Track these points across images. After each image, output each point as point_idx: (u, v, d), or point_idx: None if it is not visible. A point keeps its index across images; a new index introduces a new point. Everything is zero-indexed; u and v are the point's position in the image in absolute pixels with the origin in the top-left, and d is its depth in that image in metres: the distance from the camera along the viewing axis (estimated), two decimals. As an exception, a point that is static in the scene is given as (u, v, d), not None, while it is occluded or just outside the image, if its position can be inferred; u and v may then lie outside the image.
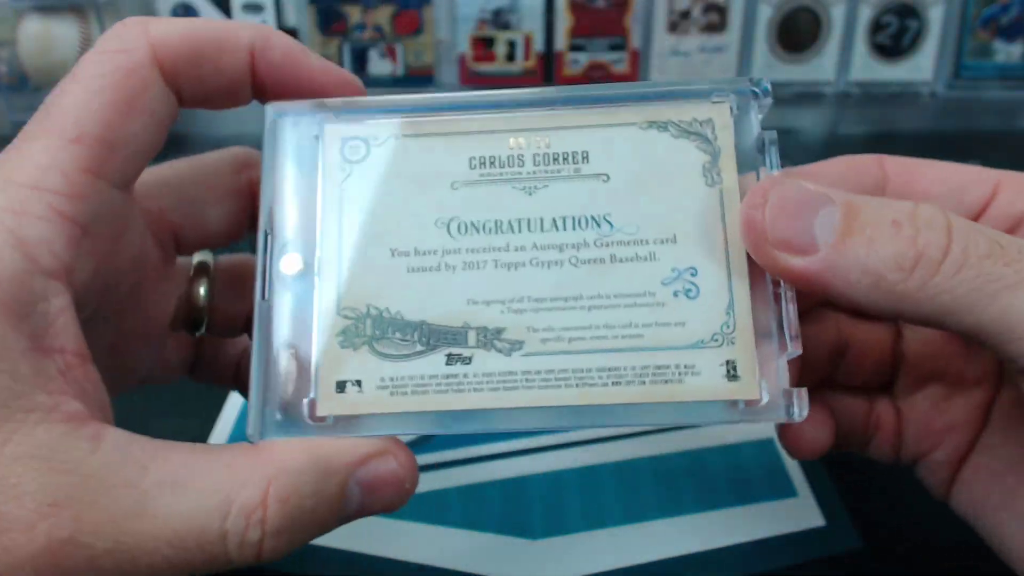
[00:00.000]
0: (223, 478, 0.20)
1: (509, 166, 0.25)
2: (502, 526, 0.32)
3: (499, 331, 0.24)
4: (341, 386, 0.24)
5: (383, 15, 0.87)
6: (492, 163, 0.25)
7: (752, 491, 0.34)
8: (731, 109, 0.25)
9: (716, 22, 0.89)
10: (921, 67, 0.91)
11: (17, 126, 0.85)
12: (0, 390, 0.19)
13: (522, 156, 0.25)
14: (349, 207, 0.25)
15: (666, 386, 0.24)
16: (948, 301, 0.21)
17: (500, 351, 0.24)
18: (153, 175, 0.27)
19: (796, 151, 0.25)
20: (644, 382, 0.24)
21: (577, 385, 0.24)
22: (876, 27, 0.89)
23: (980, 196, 0.26)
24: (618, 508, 0.33)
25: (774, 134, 0.25)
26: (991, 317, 0.20)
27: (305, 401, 0.24)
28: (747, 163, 0.25)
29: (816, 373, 0.28)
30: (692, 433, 0.37)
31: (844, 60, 0.90)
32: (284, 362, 0.24)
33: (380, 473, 0.22)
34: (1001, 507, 0.25)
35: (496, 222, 0.25)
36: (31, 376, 0.19)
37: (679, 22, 0.89)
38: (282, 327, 0.24)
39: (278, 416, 0.23)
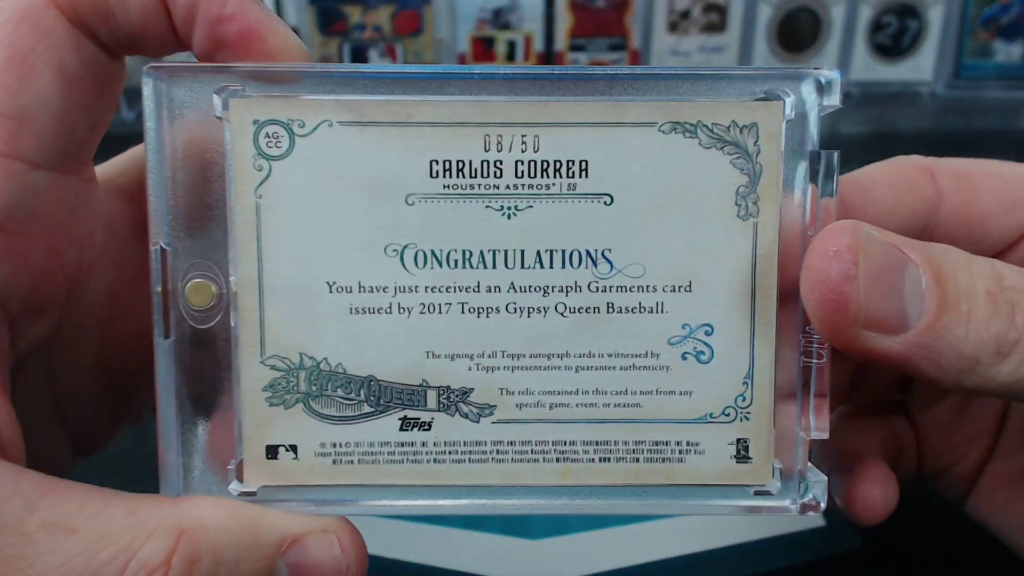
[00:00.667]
0: (124, 524, 0.17)
1: (483, 176, 0.19)
2: (502, 526, 0.32)
3: (465, 392, 0.20)
4: (272, 451, 0.20)
5: (383, 15, 0.87)
6: (460, 171, 0.19)
7: (752, 491, 0.34)
8: (784, 111, 0.19)
9: (716, 22, 0.89)
10: (921, 67, 0.91)
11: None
12: None
13: (500, 164, 0.19)
14: (269, 220, 0.19)
15: (663, 466, 0.20)
16: None
17: (466, 416, 0.20)
18: (125, 156, 0.23)
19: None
20: (637, 459, 0.20)
21: (558, 460, 0.20)
22: (876, 27, 0.89)
23: None
24: (618, 508, 0.33)
25: (836, 156, 0.19)
26: None
27: (230, 466, 0.20)
28: (790, 186, 0.20)
29: (836, 400, 0.27)
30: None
31: (844, 60, 0.90)
32: (200, 420, 0.20)
33: (318, 557, 0.19)
34: (1021, 513, 0.25)
35: (464, 253, 0.20)
36: None
37: (679, 22, 0.89)
38: (193, 374, 0.20)
39: (198, 478, 0.20)
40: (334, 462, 0.20)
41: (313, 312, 0.20)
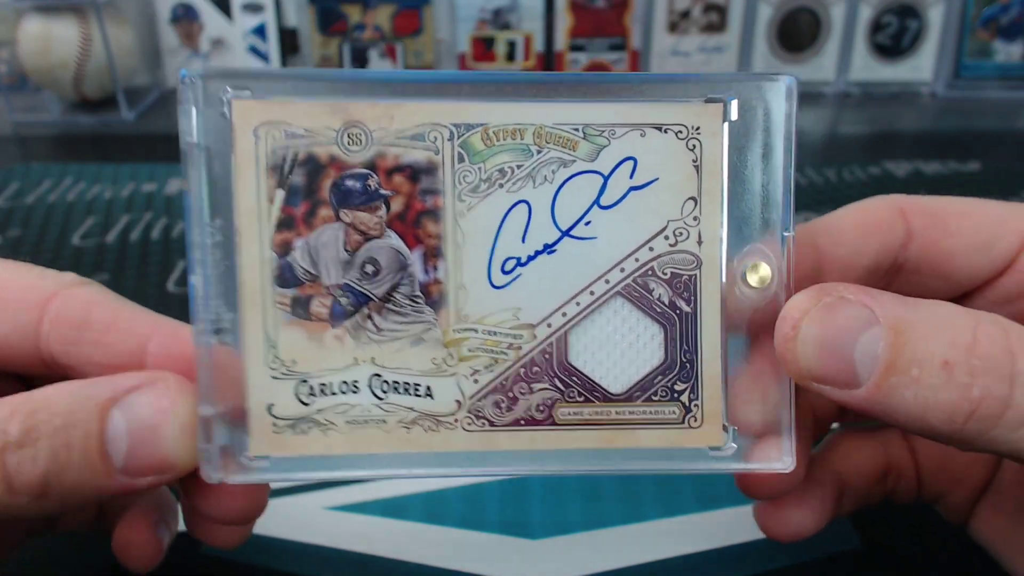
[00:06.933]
0: None
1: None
2: (502, 526, 0.32)
3: None
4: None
5: (383, 15, 0.87)
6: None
7: (752, 491, 0.34)
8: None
9: (716, 22, 0.89)
10: (921, 67, 0.91)
11: (17, 126, 0.85)
12: None
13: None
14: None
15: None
16: (1010, 450, 0.19)
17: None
18: None
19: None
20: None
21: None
22: (876, 27, 0.89)
23: (1007, 249, 0.23)
24: (618, 508, 0.33)
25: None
26: None
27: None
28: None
29: (827, 421, 0.27)
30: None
31: (844, 60, 0.90)
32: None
33: (147, 402, 0.20)
34: (1019, 541, 0.25)
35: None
36: None
37: (679, 22, 0.89)
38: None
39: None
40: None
41: None
